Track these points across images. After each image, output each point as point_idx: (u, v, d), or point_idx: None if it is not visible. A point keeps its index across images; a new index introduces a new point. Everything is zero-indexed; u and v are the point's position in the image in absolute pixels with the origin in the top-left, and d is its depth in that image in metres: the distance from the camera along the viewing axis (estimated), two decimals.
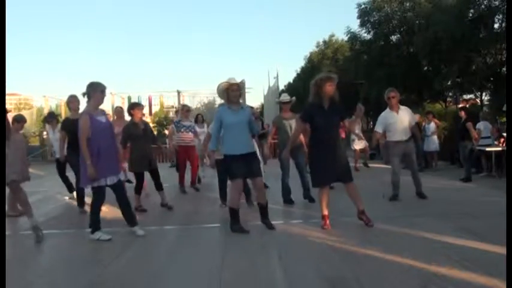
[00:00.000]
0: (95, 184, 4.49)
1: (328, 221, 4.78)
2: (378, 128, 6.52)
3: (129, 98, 23.11)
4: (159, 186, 6.28)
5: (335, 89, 4.60)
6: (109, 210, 5.78)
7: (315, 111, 4.63)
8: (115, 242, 4.51)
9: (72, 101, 6.00)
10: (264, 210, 4.88)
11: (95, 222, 4.62)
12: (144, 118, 7.29)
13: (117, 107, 9.73)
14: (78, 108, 5.99)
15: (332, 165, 4.62)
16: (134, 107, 6.29)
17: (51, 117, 8.32)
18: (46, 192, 8.45)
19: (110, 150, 4.56)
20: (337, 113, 4.67)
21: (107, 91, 4.78)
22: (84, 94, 4.60)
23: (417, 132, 6.62)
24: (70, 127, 5.82)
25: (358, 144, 11.24)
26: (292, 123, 6.31)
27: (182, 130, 7.87)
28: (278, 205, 6.34)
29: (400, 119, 6.30)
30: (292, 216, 5.37)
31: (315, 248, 4.08)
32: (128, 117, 7.12)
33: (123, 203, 4.71)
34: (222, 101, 5.28)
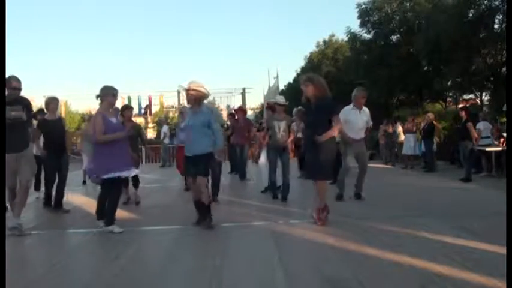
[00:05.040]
0: (109, 175, 4.73)
1: (324, 215, 4.87)
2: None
3: (129, 98, 23.13)
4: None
5: (313, 89, 4.76)
6: None
7: (306, 109, 5.00)
8: (115, 241, 4.51)
9: (54, 102, 6.28)
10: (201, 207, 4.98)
11: (112, 215, 4.89)
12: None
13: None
14: (57, 109, 6.44)
15: (313, 160, 4.84)
16: (125, 108, 6.95)
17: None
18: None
19: (121, 149, 4.88)
20: (324, 110, 4.77)
21: None
22: (97, 97, 4.93)
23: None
24: (46, 127, 6.16)
25: None
26: (281, 125, 6.55)
27: None
28: (277, 205, 6.35)
29: (360, 118, 6.39)
30: (292, 216, 5.36)
31: (315, 248, 4.08)
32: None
33: (112, 199, 4.91)
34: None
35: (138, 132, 6.86)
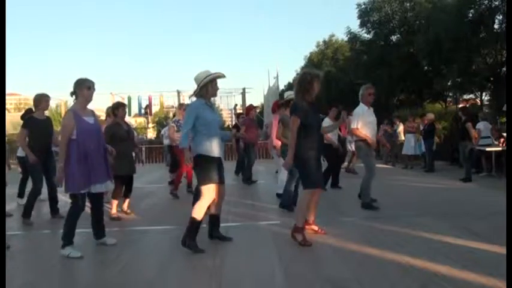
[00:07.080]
0: (82, 191, 4.02)
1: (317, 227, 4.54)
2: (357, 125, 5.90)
3: (129, 98, 23.16)
4: (129, 192, 5.99)
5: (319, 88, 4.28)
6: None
7: (308, 109, 4.19)
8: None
9: (47, 100, 5.67)
10: (218, 221, 4.38)
11: (69, 235, 4.08)
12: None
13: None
14: (47, 108, 5.76)
15: (320, 166, 4.41)
16: (119, 106, 6.08)
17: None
18: (44, 192, 8.42)
19: (98, 154, 4.15)
20: (317, 111, 4.39)
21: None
22: (72, 93, 4.16)
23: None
24: (34, 127, 5.50)
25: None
26: None
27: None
28: (278, 205, 6.33)
29: (375, 118, 6.03)
30: (292, 216, 5.35)
31: (315, 248, 4.08)
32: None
33: (97, 215, 4.36)
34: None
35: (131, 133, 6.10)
